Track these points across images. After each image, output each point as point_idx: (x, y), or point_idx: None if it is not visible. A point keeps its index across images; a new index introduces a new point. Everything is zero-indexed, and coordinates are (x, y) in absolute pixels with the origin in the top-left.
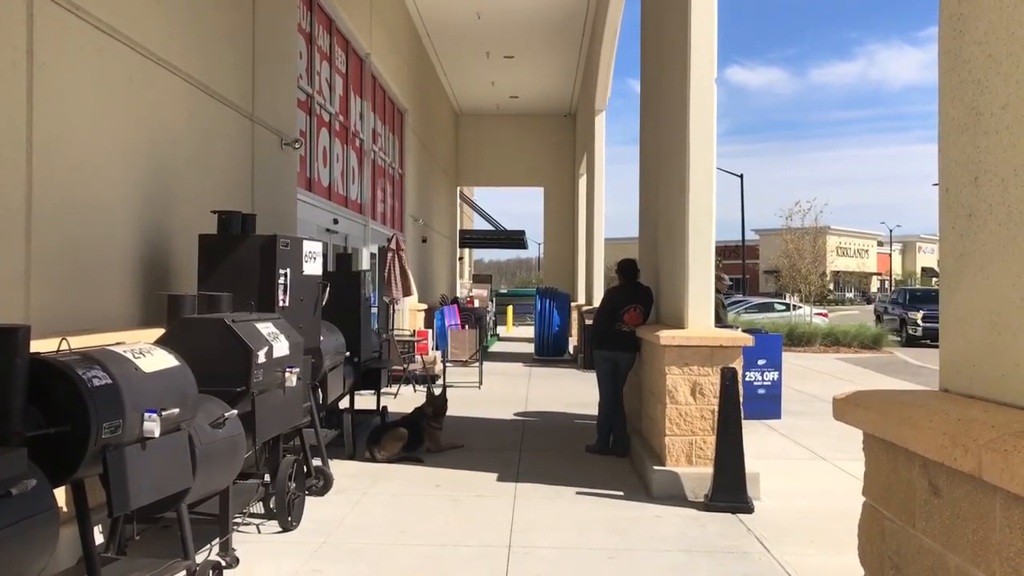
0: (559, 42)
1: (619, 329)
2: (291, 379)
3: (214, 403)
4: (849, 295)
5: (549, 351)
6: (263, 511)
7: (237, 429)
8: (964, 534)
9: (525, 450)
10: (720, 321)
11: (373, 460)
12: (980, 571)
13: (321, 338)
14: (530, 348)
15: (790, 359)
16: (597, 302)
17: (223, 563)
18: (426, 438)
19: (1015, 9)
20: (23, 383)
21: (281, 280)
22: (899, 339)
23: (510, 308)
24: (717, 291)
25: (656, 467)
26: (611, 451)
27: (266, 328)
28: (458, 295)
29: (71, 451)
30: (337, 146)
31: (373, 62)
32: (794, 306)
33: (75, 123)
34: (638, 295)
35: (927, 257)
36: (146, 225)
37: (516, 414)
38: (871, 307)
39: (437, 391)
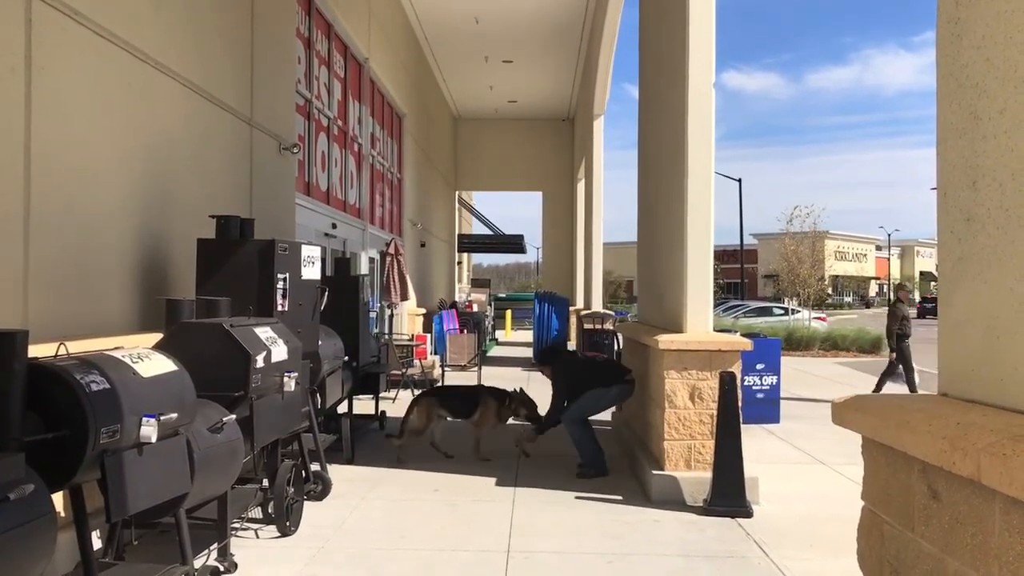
0: (558, 47)
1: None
2: (289, 384)
3: (212, 408)
4: (848, 299)
5: None
6: (261, 516)
7: (235, 434)
8: (963, 538)
9: (524, 454)
10: (906, 334)
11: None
12: (979, 575)
13: (319, 342)
14: (529, 352)
15: (789, 363)
16: (596, 306)
17: (221, 568)
18: (482, 416)
19: (1012, 14)
20: (21, 388)
21: (279, 285)
22: None
23: (508, 312)
24: (899, 300)
25: (655, 471)
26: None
27: (264, 333)
28: (456, 299)
29: (69, 456)
30: (335, 150)
31: (371, 67)
32: (792, 310)
33: (73, 128)
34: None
35: (926, 261)
36: (144, 229)
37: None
38: (869, 311)
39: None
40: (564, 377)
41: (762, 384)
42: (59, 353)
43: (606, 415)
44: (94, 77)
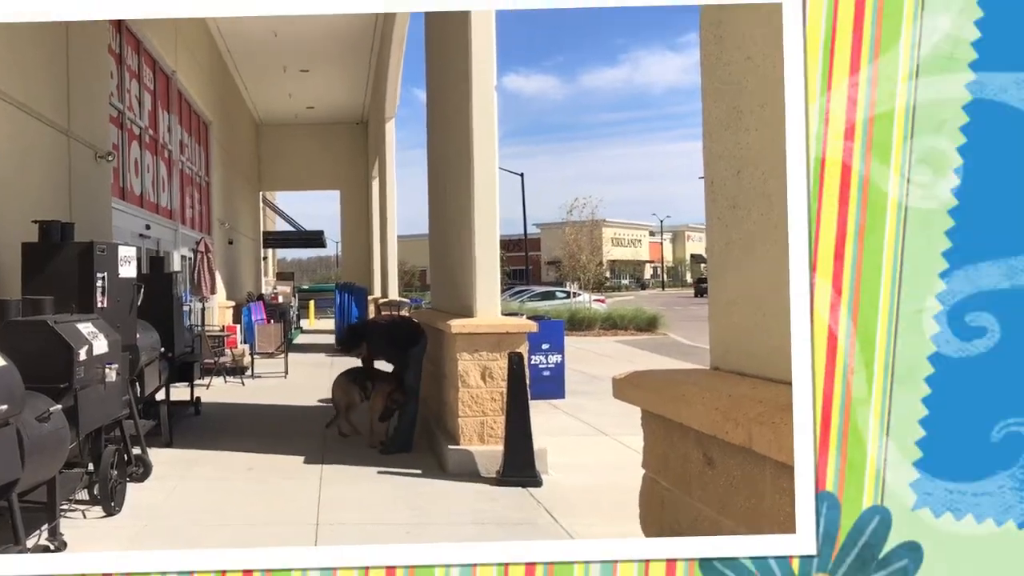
0: (350, 56)
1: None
2: (111, 375)
3: (40, 399)
4: (625, 282)
5: None
6: (88, 498)
7: (62, 422)
8: (737, 501)
9: (330, 434)
10: None
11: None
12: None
13: (138, 336)
14: (332, 339)
15: (572, 343)
16: (392, 295)
17: (52, 547)
18: (375, 399)
19: (770, 15)
20: None
21: (99, 283)
22: None
23: (312, 303)
24: None
25: (451, 446)
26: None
27: (86, 328)
28: (263, 292)
29: None
30: (148, 157)
31: (179, 78)
32: (574, 293)
33: None
34: None
35: (696, 245)
36: None
37: (320, 400)
38: (645, 293)
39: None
40: (385, 355)
41: (548, 363)
42: None
43: None
44: None
